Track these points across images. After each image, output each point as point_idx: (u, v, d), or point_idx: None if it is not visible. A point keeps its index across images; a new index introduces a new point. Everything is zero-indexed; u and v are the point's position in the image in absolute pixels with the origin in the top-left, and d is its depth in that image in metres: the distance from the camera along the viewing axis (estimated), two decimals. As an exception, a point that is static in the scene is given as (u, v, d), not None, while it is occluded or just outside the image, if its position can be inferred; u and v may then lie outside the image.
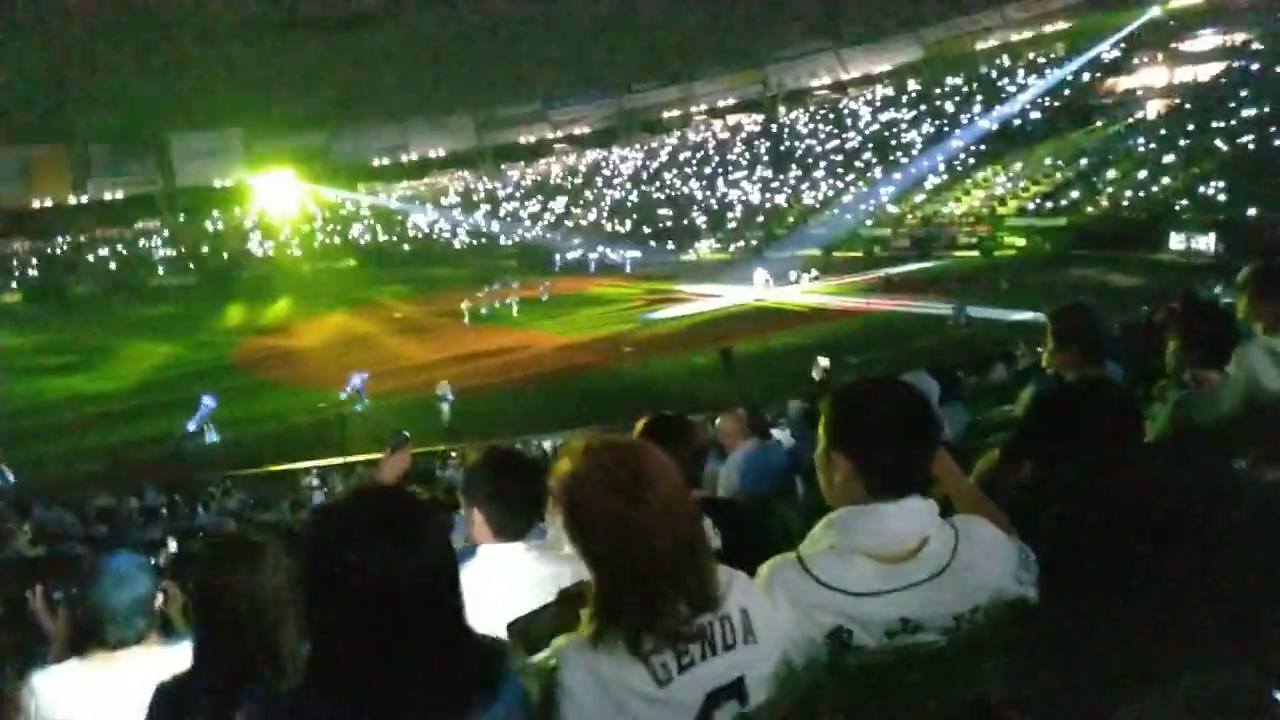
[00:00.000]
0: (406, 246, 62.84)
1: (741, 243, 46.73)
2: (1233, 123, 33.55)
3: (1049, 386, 2.92)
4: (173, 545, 7.47)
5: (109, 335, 36.91)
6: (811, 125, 62.37)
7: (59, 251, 64.10)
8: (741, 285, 31.94)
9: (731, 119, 73.37)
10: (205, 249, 63.80)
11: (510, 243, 57.15)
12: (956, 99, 53.65)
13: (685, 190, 58.31)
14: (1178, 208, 29.83)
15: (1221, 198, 28.90)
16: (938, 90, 56.63)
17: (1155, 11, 49.77)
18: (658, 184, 61.74)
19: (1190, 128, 35.32)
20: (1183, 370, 2.93)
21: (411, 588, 1.11)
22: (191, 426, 19.95)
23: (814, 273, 32.74)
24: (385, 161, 75.42)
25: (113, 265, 61.11)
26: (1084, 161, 38.36)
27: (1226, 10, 44.96)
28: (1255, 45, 40.09)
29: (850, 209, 44.33)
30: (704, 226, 51.06)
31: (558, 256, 49.64)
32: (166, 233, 67.34)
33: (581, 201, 63.25)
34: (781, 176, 53.69)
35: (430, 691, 1.11)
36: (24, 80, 53.20)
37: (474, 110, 74.70)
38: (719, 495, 4.05)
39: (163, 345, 33.47)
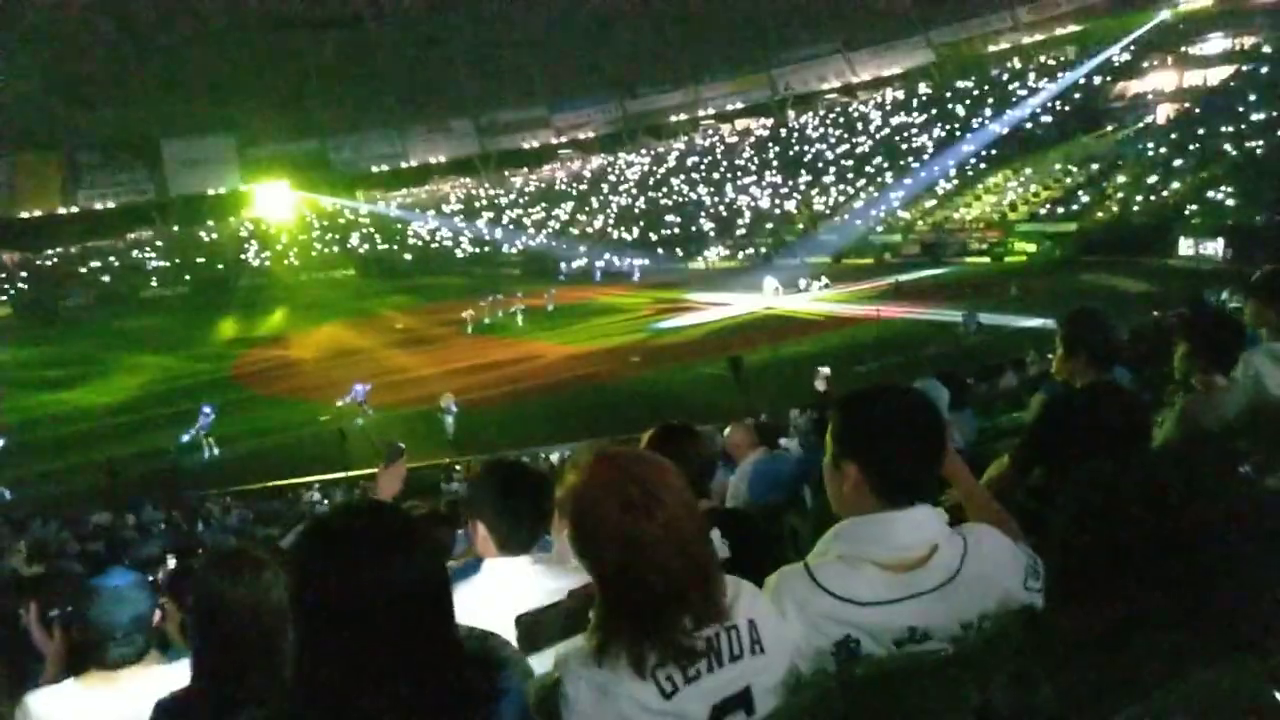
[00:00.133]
0: (407, 256, 62.25)
1: (750, 250, 46.64)
2: (1243, 126, 33.36)
3: (1059, 392, 2.93)
4: (171, 562, 7.44)
5: (102, 349, 36.62)
6: (821, 129, 62.23)
7: (49, 263, 63.03)
8: (751, 293, 31.86)
9: (739, 123, 73.18)
10: (200, 259, 62.78)
11: (514, 251, 56.84)
12: (967, 102, 53.52)
13: (693, 196, 58.15)
14: (1187, 213, 29.67)
15: (1230, 203, 28.74)
16: (948, 94, 56.51)
17: (1165, 15, 49.64)
18: (664, 190, 61.59)
19: (1200, 132, 35.15)
20: (1190, 375, 2.93)
21: (400, 605, 1.10)
22: (186, 438, 19.89)
23: (824, 280, 32.64)
24: (384, 168, 74.55)
25: (105, 277, 60.00)
26: (1094, 166, 38.22)
27: (1236, 14, 44.79)
28: (1265, 49, 39.89)
29: (860, 214, 44.25)
30: (712, 233, 50.94)
31: (563, 265, 49.49)
32: (159, 243, 66.20)
33: (587, 208, 63.09)
34: (790, 182, 53.61)
35: (420, 711, 1.10)
36: (10, 86, 52.31)
37: (475, 115, 74.08)
38: (727, 505, 4.05)
39: (157, 358, 33.19)
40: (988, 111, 50.05)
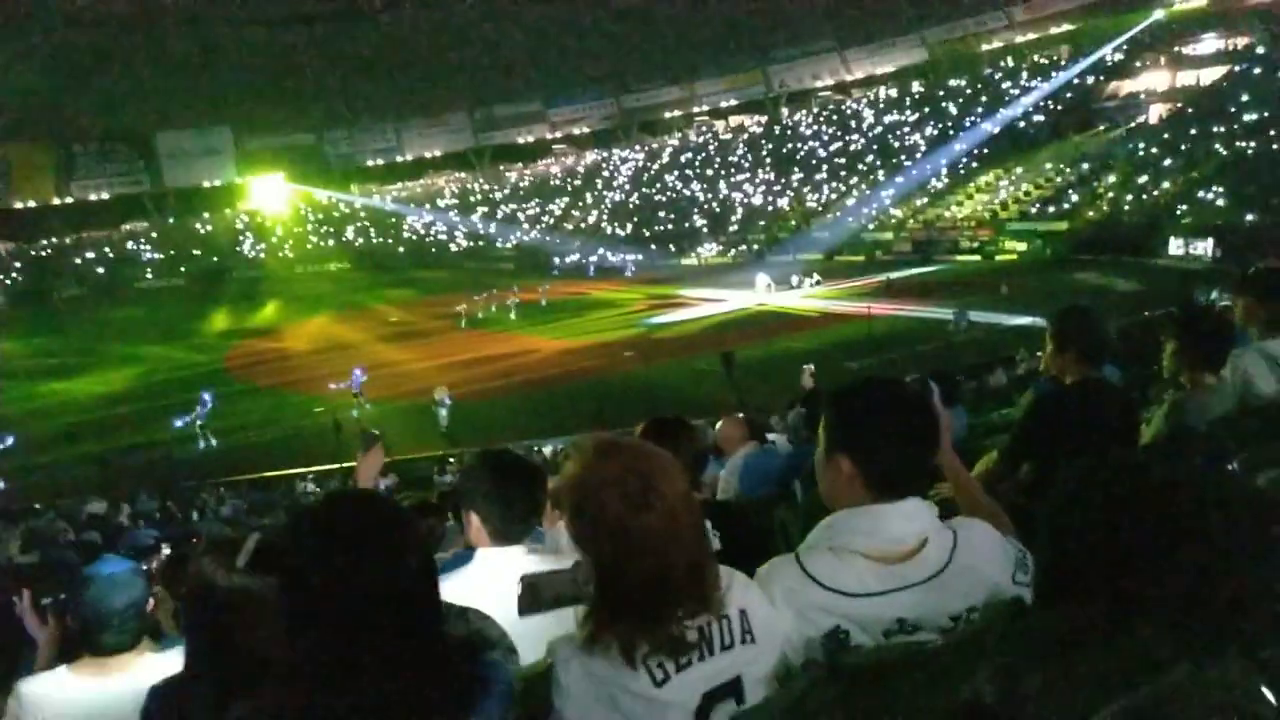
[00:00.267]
0: (401, 249, 62.37)
1: (743, 246, 46.72)
2: (1235, 127, 33.55)
3: (1048, 388, 2.94)
4: (165, 551, 7.42)
5: (96, 340, 36.55)
6: (814, 127, 62.32)
7: (43, 254, 63.14)
8: (743, 290, 31.94)
9: (734, 120, 73.25)
10: (194, 252, 62.89)
11: (508, 246, 56.87)
12: (960, 101, 53.67)
13: (686, 192, 58.22)
14: (1178, 212, 29.84)
15: (1220, 203, 28.92)
16: (941, 92, 56.64)
17: (1159, 15, 49.85)
18: (658, 186, 61.63)
19: (1191, 132, 35.33)
20: (1180, 373, 2.95)
21: (389, 596, 1.10)
22: (181, 423, 19.89)
23: (815, 277, 32.74)
24: (379, 162, 74.60)
25: (99, 268, 60.15)
26: (1085, 166, 38.39)
27: (1229, 14, 45.02)
28: (1258, 49, 40.08)
29: (852, 212, 44.35)
30: (705, 230, 51.01)
31: (556, 260, 49.49)
32: (154, 235, 66.20)
33: (581, 204, 63.09)
34: (784, 179, 53.69)
35: (407, 703, 1.09)
36: (4, 77, 51.76)
37: (471, 109, 74.06)
38: (718, 498, 4.07)
39: (151, 350, 33.12)
40: (980, 110, 50.19)
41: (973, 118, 49.33)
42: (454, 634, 1.21)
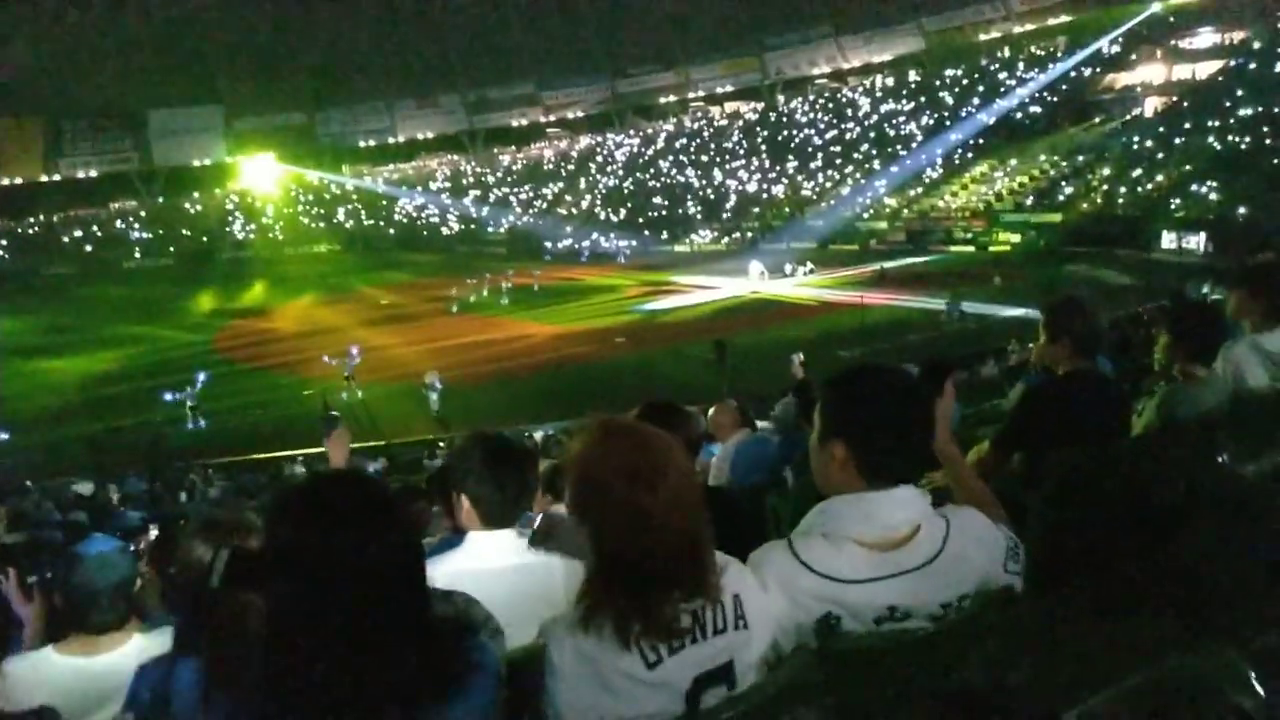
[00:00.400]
0: (392, 232, 62.09)
1: (737, 234, 46.65)
2: (1231, 121, 33.59)
3: (1040, 379, 2.95)
4: (153, 532, 7.39)
5: (85, 319, 36.27)
6: (810, 114, 62.15)
7: (31, 232, 62.59)
8: (736, 277, 31.92)
9: (729, 106, 72.95)
10: (184, 231, 62.44)
11: (500, 230, 56.67)
12: (956, 91, 53.58)
13: (681, 179, 58.05)
14: (1172, 205, 29.92)
15: (1213, 197, 29.01)
16: (937, 82, 56.53)
17: (1156, 7, 49.81)
18: (652, 172, 61.41)
19: (1186, 126, 35.38)
20: (1172, 366, 2.97)
21: (376, 576, 1.09)
22: (170, 397, 19.87)
23: (809, 266, 32.76)
24: (371, 143, 74.16)
25: (87, 246, 59.67)
26: (1080, 158, 38.43)
27: (1226, 7, 45.01)
28: (1255, 44, 40.07)
29: (847, 201, 44.33)
30: (699, 216, 50.90)
31: (548, 245, 49.32)
32: (143, 214, 65.65)
33: (574, 188, 62.83)
34: (778, 167, 53.57)
35: (393, 683, 1.09)
36: None
37: (464, 91, 73.53)
38: (710, 484, 4.07)
39: (140, 330, 32.93)
40: (976, 100, 50.13)
41: (968, 108, 49.28)
42: (441, 615, 1.21)
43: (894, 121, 53.07)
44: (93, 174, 66.52)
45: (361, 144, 73.71)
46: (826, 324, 23.02)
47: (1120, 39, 48.94)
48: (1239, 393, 2.56)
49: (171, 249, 59.65)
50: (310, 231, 63.22)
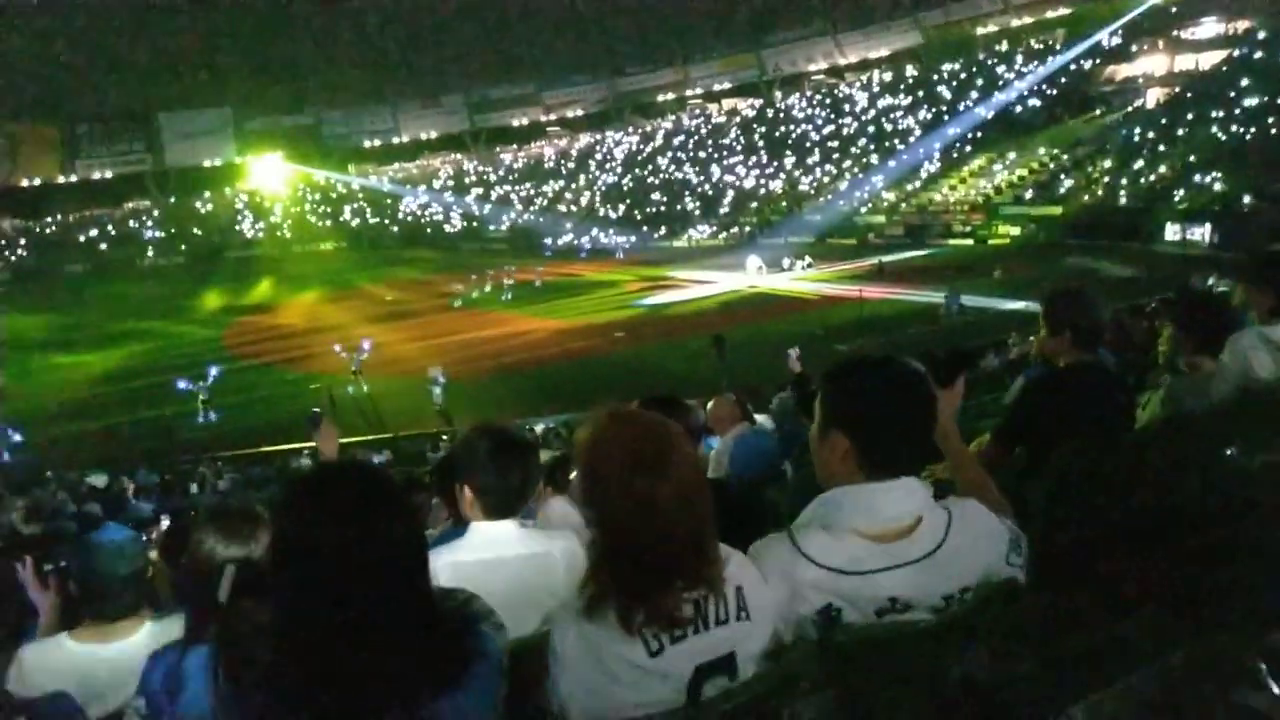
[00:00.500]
0: (396, 229, 62.62)
1: (735, 229, 46.66)
2: (1236, 111, 33.47)
3: (1041, 371, 2.92)
4: (165, 523, 7.46)
5: (98, 315, 36.76)
6: (808, 110, 62.13)
7: (48, 231, 63.85)
8: (734, 272, 31.93)
9: (727, 103, 73.02)
10: (195, 230, 63.62)
11: (502, 227, 56.93)
12: (954, 85, 53.52)
13: (679, 175, 58.11)
14: (1177, 197, 29.82)
15: (1218, 187, 28.90)
16: (935, 76, 56.47)
17: (1157, -2, 49.69)
18: (651, 168, 61.48)
19: (1189, 117, 35.27)
20: (1177, 357, 2.94)
21: (378, 565, 1.10)
22: (184, 385, 20.12)
23: (807, 260, 32.75)
24: (376, 143, 75.00)
25: (102, 245, 60.90)
26: (1080, 150, 38.36)
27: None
28: (1260, 34, 39.83)
29: (845, 195, 44.30)
30: (697, 212, 50.92)
31: (549, 241, 49.44)
32: (156, 213, 66.97)
33: (574, 186, 62.97)
34: (776, 162, 53.56)
35: (397, 673, 1.09)
36: (13, 58, 52.85)
37: (466, 92, 74.11)
38: (709, 478, 4.05)
39: (154, 325, 33.36)
40: (974, 94, 50.06)
41: (967, 102, 49.22)
42: (443, 607, 1.21)
43: (892, 116, 53.02)
44: (108, 175, 68.07)
45: (366, 144, 74.61)
46: (825, 318, 23.01)
47: (1121, 30, 48.79)
48: (1246, 385, 2.53)
49: (183, 247, 60.76)
50: (317, 229, 64.07)
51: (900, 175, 43.88)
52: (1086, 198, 33.89)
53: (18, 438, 19.45)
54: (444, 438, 15.17)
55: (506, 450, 1.91)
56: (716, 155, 59.17)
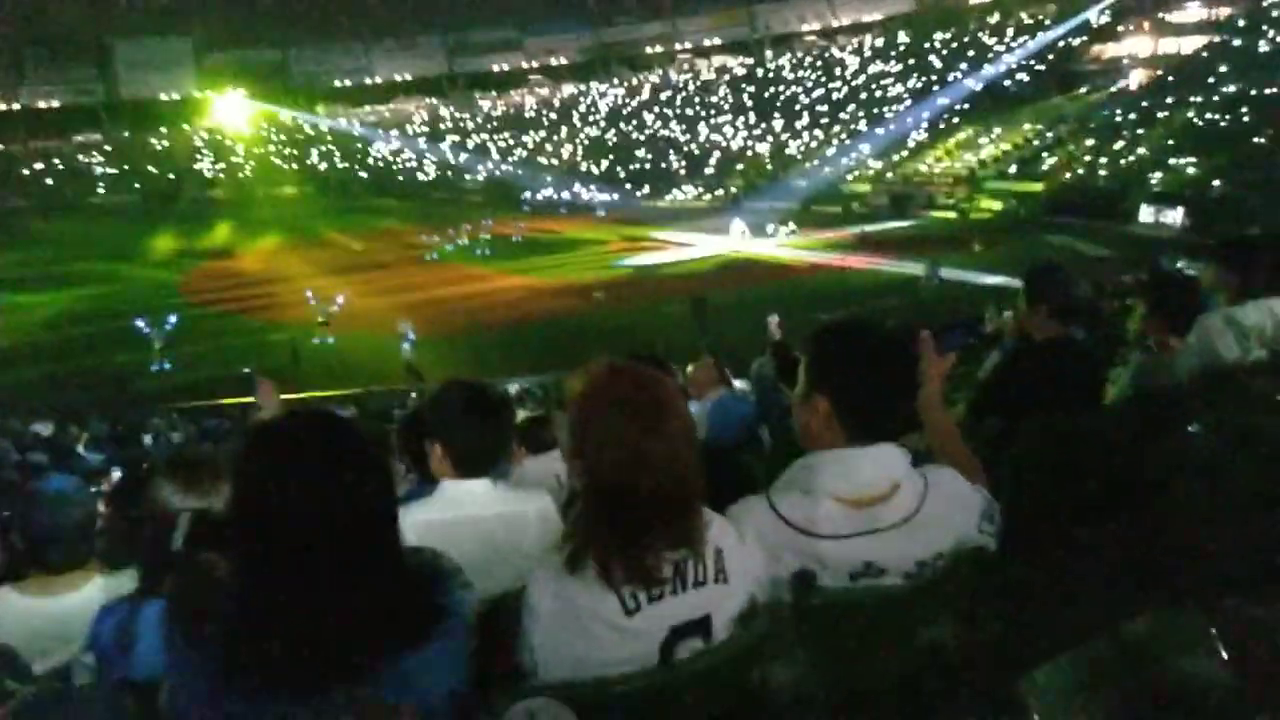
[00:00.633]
0: (365, 175, 60.79)
1: (719, 191, 46.31)
2: (1215, 98, 33.67)
3: (1017, 345, 2.98)
4: (116, 474, 7.31)
5: (45, 255, 35.38)
6: (798, 72, 61.38)
7: None
8: (718, 235, 31.76)
9: (716, 59, 71.88)
10: (150, 168, 60.73)
11: (478, 178, 55.76)
12: (945, 54, 53.14)
13: (665, 132, 57.30)
14: (1153, 180, 30.07)
15: (1191, 170, 29.20)
16: (926, 45, 55.99)
17: (1145, -23, 49.38)
18: (635, 124, 60.54)
19: (1169, 100, 35.43)
20: (1147, 336, 3.01)
21: (344, 516, 1.07)
22: (141, 324, 19.66)
23: (791, 226, 32.65)
24: (347, 83, 72.30)
25: (49, 180, 57.85)
26: (1063, 127, 38.44)
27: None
28: (1240, 21, 39.98)
29: (831, 162, 44.08)
30: (682, 171, 50.39)
31: (528, 194, 48.65)
32: (107, 148, 63.69)
33: (555, 138, 61.84)
34: (764, 124, 53.04)
35: (359, 630, 1.07)
36: None
37: (445, 33, 71.79)
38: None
39: (104, 267, 32.15)
40: (964, 65, 49.77)
41: (956, 73, 48.94)
42: (409, 565, 1.19)
43: (881, 83, 52.61)
44: (55, 104, 64.49)
45: (337, 83, 71.83)
46: (805, 285, 23.04)
47: (1109, 10, 48.58)
48: (1211, 364, 2.60)
49: (137, 185, 57.95)
50: (281, 172, 61.73)
51: (887, 144, 43.69)
52: (1067, 175, 34.05)
53: None
54: (413, 395, 15.01)
55: (481, 407, 1.86)
56: (704, 113, 58.36)
